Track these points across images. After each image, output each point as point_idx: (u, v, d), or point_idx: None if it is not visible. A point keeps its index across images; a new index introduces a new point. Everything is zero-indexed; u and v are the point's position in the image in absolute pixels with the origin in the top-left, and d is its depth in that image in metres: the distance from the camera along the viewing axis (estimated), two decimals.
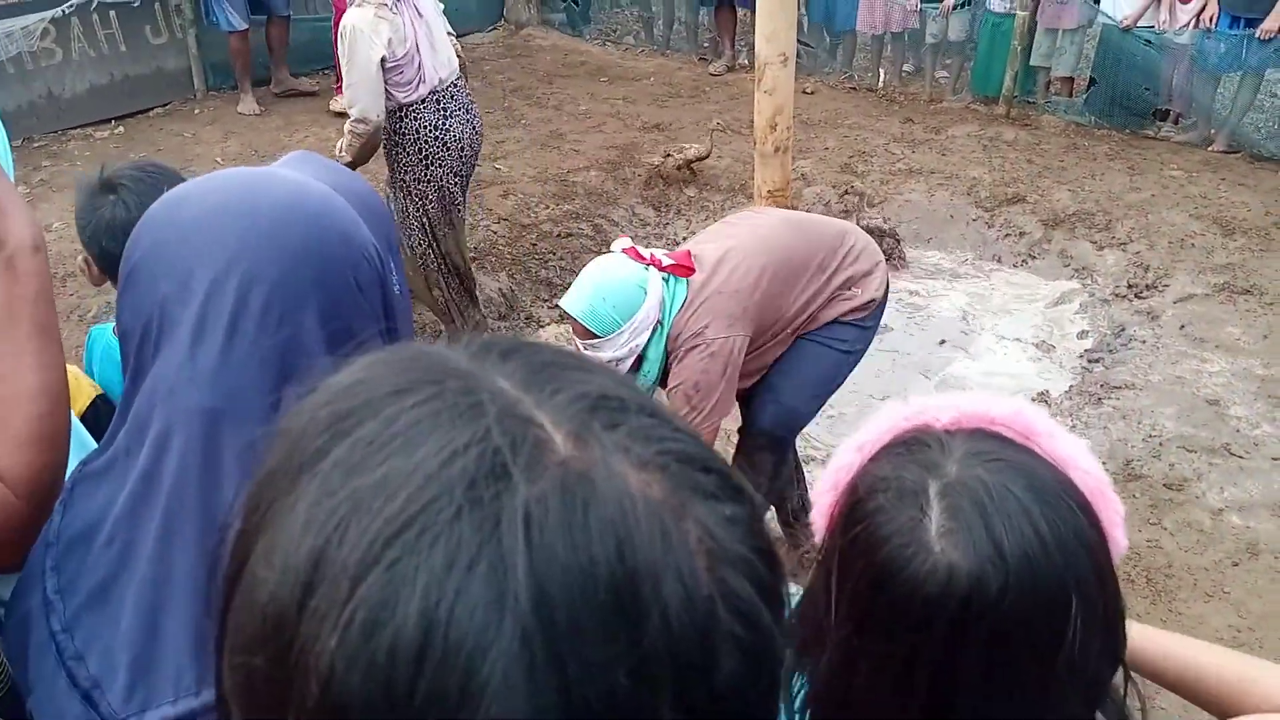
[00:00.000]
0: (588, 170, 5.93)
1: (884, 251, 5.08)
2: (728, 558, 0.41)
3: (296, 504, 0.40)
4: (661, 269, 2.50)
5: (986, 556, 0.72)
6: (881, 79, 7.18)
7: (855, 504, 0.79)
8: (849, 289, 2.68)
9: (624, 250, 2.54)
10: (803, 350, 2.69)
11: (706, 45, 8.14)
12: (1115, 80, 6.17)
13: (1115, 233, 5.02)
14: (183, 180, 1.02)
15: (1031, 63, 6.42)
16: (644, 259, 2.51)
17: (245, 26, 6.61)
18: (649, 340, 2.49)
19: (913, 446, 0.81)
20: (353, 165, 3.54)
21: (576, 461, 0.40)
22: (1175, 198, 5.28)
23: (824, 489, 0.86)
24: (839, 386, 2.80)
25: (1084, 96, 6.40)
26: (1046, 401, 3.96)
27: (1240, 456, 3.44)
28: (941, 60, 7.07)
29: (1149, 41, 5.99)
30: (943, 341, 4.39)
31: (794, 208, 5.42)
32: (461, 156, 3.97)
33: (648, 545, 0.38)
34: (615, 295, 2.43)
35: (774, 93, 3.81)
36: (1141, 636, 0.93)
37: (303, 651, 0.38)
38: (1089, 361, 4.19)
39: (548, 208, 5.50)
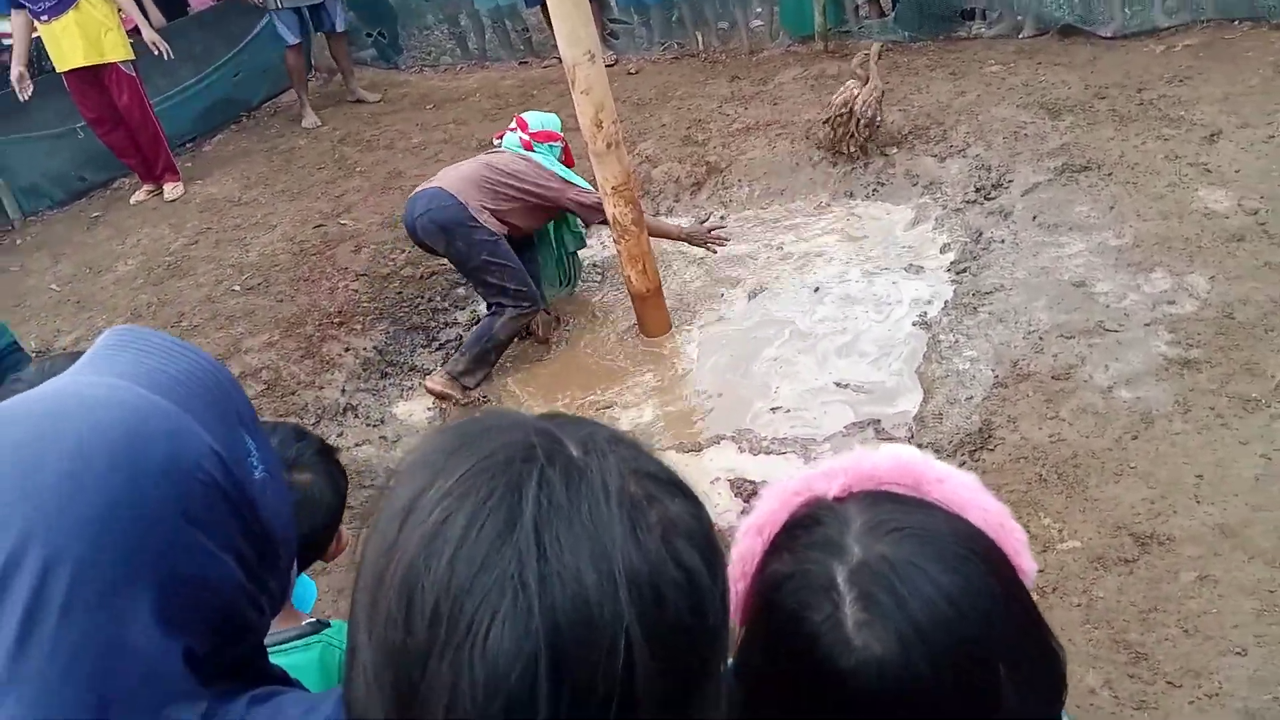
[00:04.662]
0: None
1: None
2: (677, 530, 0.62)
3: (415, 460, 0.66)
4: None
5: (909, 643, 0.71)
6: (700, 42, 7.21)
7: (769, 604, 0.78)
8: None
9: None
10: None
11: (522, 48, 8.05)
12: None
13: (952, 141, 5.14)
14: None
15: None
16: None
17: (298, 41, 7.38)
18: None
19: (811, 528, 0.79)
20: None
21: (582, 460, 0.62)
22: (1000, 92, 5.43)
23: (734, 577, 0.84)
24: None
25: (893, 14, 6.52)
26: (927, 324, 4.04)
27: (1115, 331, 3.56)
28: (752, 10, 7.12)
29: None
30: (816, 289, 4.44)
31: (644, 195, 5.42)
32: None
33: (617, 513, 0.60)
34: None
35: (590, 91, 3.78)
36: None
37: (398, 551, 0.60)
38: (957, 273, 4.28)
39: (404, 251, 5.38)
